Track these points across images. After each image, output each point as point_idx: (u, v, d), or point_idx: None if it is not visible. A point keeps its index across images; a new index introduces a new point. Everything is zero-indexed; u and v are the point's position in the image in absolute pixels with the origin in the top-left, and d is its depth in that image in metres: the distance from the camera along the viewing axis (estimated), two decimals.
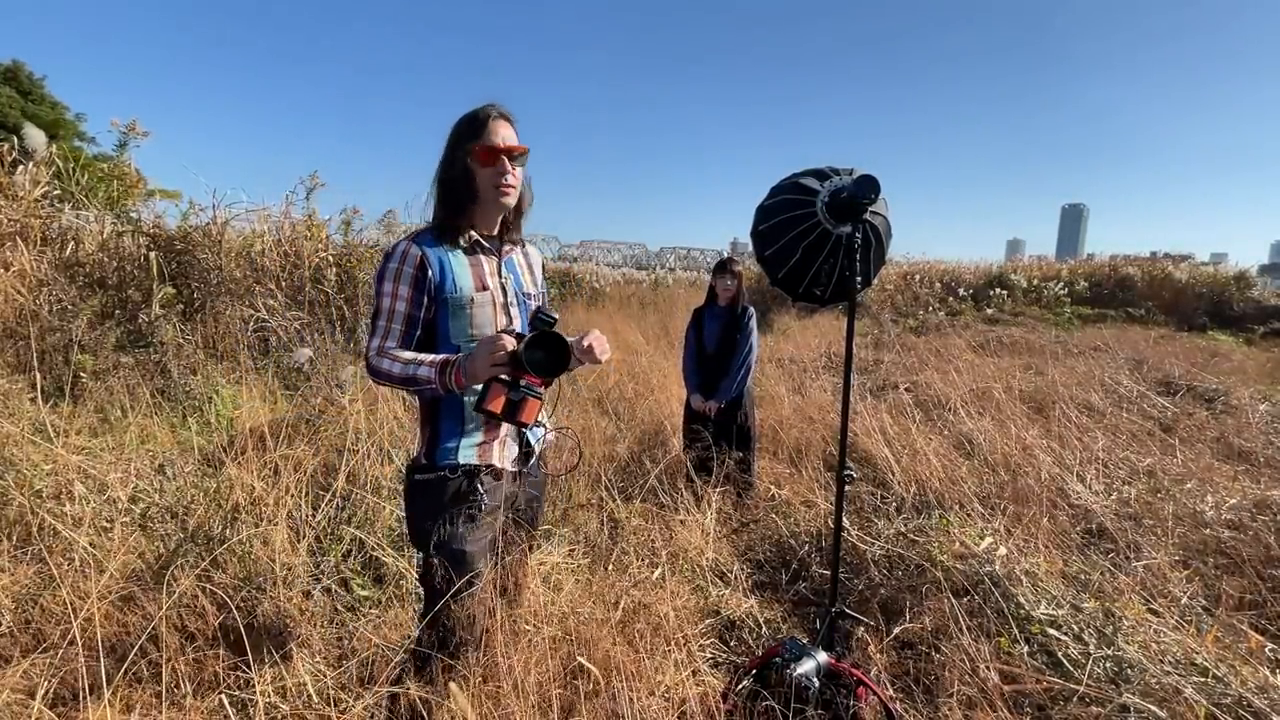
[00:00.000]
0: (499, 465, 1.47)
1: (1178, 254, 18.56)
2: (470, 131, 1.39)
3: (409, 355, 1.35)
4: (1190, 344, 8.71)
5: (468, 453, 1.43)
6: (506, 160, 1.39)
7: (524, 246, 1.59)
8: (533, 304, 1.55)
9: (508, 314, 1.47)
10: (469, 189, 1.40)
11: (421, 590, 1.50)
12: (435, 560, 1.40)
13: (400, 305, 1.37)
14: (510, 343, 1.24)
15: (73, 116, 25.26)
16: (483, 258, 1.46)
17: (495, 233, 1.49)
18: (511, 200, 1.44)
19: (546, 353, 1.26)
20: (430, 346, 1.43)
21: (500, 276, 1.47)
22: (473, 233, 1.44)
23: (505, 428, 1.47)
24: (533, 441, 1.55)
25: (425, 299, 1.39)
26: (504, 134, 1.40)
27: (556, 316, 1.30)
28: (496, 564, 1.50)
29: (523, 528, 1.58)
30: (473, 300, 1.41)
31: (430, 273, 1.37)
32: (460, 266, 1.41)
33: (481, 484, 1.43)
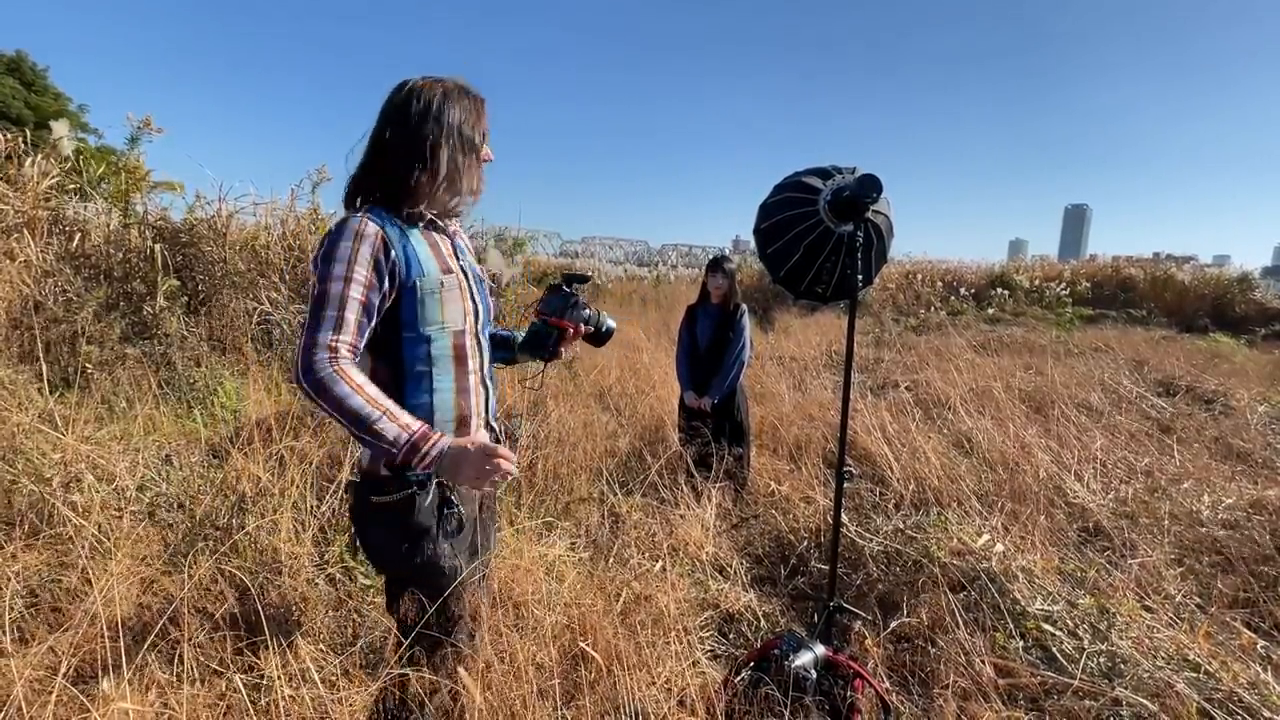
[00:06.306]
0: None
1: (1181, 256, 18.54)
2: (479, 131, 1.30)
3: (375, 392, 1.10)
4: (1191, 346, 8.70)
5: None
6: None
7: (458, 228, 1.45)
8: (486, 286, 1.44)
9: (473, 298, 1.33)
10: (453, 184, 1.27)
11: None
12: (418, 588, 1.26)
13: (355, 291, 1.12)
14: (513, 470, 1.14)
15: (75, 108, 25.28)
16: (438, 237, 1.30)
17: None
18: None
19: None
20: (389, 339, 1.23)
21: (459, 259, 1.33)
22: (425, 210, 1.28)
23: (477, 425, 1.35)
24: (498, 433, 1.48)
25: (385, 286, 1.17)
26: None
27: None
28: (476, 565, 1.45)
29: (488, 533, 1.47)
30: (442, 284, 1.24)
31: (393, 254, 1.17)
32: (421, 246, 1.24)
33: (456, 494, 1.29)
